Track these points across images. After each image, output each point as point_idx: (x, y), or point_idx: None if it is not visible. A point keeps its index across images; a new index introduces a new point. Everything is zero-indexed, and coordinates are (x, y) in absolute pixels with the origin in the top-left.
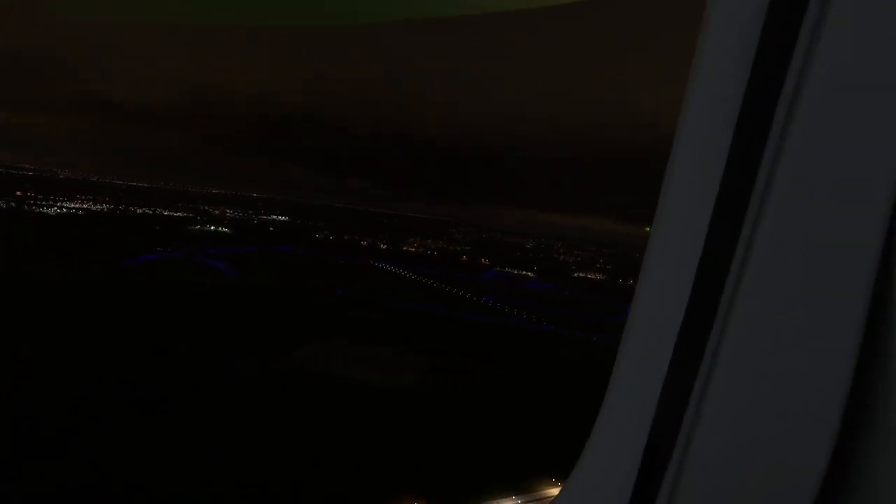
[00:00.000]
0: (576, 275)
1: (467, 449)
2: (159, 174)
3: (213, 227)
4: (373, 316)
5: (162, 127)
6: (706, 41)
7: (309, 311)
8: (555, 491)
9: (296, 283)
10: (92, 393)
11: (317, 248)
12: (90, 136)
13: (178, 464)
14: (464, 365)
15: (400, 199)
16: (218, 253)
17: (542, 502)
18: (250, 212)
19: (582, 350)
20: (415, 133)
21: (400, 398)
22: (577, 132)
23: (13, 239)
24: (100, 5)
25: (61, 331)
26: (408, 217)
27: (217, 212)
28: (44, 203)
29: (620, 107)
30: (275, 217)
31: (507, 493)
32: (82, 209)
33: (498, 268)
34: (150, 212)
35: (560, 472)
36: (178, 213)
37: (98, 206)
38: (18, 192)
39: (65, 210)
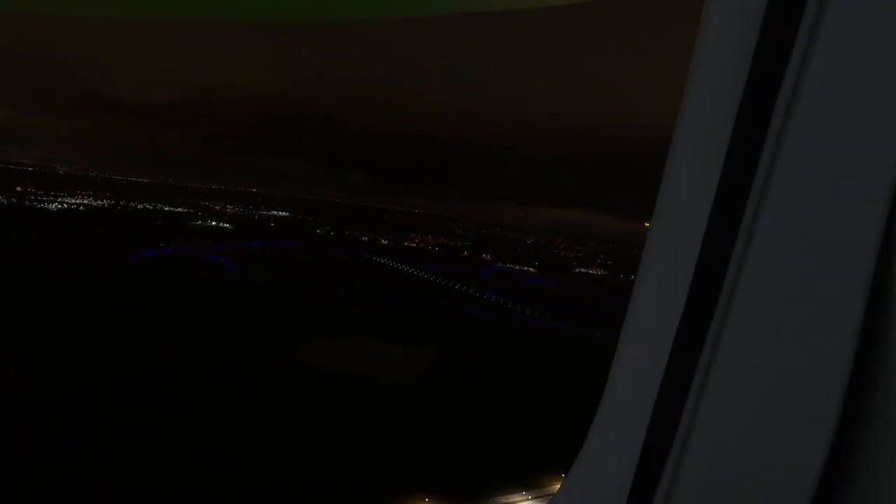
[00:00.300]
0: (577, 270)
1: (474, 445)
2: (158, 170)
3: (214, 223)
4: (377, 311)
5: (161, 123)
6: (706, 36)
7: (314, 308)
8: (554, 489)
9: (299, 279)
10: (100, 391)
11: (318, 243)
12: (88, 132)
13: (183, 462)
14: (470, 361)
15: (400, 195)
16: (220, 249)
17: (541, 500)
18: (251, 207)
19: (587, 346)
20: (414, 129)
21: (409, 394)
22: (576, 128)
23: (16, 235)
24: (99, 3)
25: (66, 328)
26: (408, 213)
27: (217, 207)
28: (44, 199)
29: (618, 103)
30: (275, 213)
31: (506, 492)
32: (83, 205)
33: (499, 263)
34: (151, 207)
35: (564, 469)
36: (179, 209)
37: (99, 202)
38: (19, 188)
39: (66, 205)
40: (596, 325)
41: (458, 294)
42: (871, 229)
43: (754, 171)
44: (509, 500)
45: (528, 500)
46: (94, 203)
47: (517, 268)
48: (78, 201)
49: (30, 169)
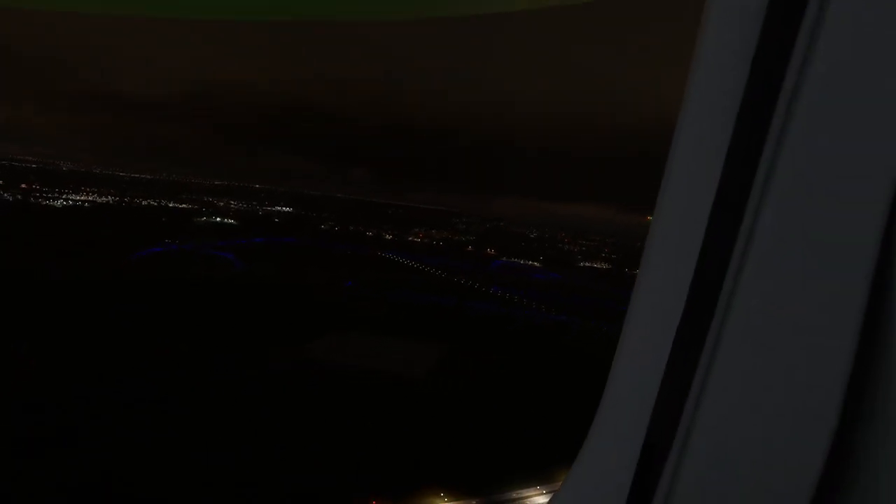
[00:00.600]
0: (582, 264)
1: (480, 441)
2: (161, 166)
3: (218, 219)
4: (384, 307)
5: (163, 118)
6: (706, 37)
7: (320, 303)
8: (556, 485)
9: (305, 275)
10: (109, 389)
11: (322, 239)
12: (89, 129)
13: (188, 461)
14: (479, 357)
15: (402, 190)
16: (226, 245)
17: (542, 497)
18: (254, 203)
19: (596, 340)
20: (416, 125)
21: (418, 389)
22: (577, 123)
23: (24, 232)
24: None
25: (81, 323)
26: (411, 207)
27: (221, 203)
28: (49, 196)
29: (620, 98)
30: (279, 208)
31: (508, 489)
32: (88, 201)
33: (504, 258)
34: (156, 204)
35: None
36: (184, 205)
37: (103, 199)
38: (23, 185)
39: (70, 202)
40: (603, 318)
41: (465, 289)
42: (872, 229)
43: (755, 171)
44: (510, 498)
45: (529, 497)
46: (98, 200)
47: (522, 262)
48: (83, 198)
49: (33, 166)
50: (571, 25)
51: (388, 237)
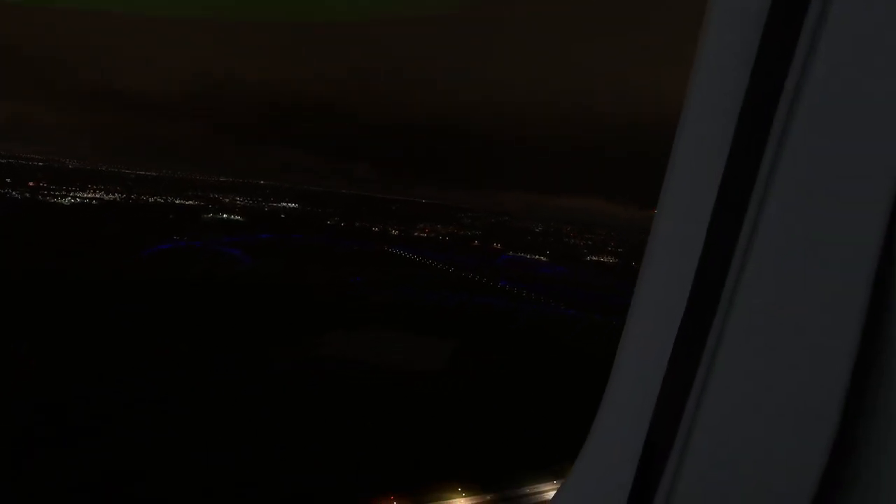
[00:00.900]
0: (588, 258)
1: (487, 437)
2: (166, 163)
3: (225, 216)
4: (392, 302)
5: (167, 116)
6: (708, 38)
7: (329, 298)
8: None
9: (313, 270)
10: (131, 379)
11: (329, 234)
12: (93, 127)
13: (215, 445)
14: (491, 352)
15: (406, 186)
16: (234, 241)
17: (542, 496)
18: (260, 199)
19: (606, 334)
20: (420, 120)
21: (429, 384)
22: (582, 117)
23: (34, 229)
24: None
25: (101, 316)
26: (416, 203)
27: (227, 200)
28: (57, 193)
29: (624, 92)
30: (285, 204)
31: (510, 486)
32: (95, 199)
33: (511, 252)
34: (162, 200)
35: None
36: (190, 202)
37: (110, 196)
38: (31, 183)
39: (78, 200)
40: (611, 312)
41: (473, 283)
42: (873, 229)
43: (756, 172)
44: (512, 495)
45: (529, 494)
46: (105, 197)
47: (529, 256)
48: (90, 195)
49: (39, 164)
50: (578, 17)
51: (395, 233)
